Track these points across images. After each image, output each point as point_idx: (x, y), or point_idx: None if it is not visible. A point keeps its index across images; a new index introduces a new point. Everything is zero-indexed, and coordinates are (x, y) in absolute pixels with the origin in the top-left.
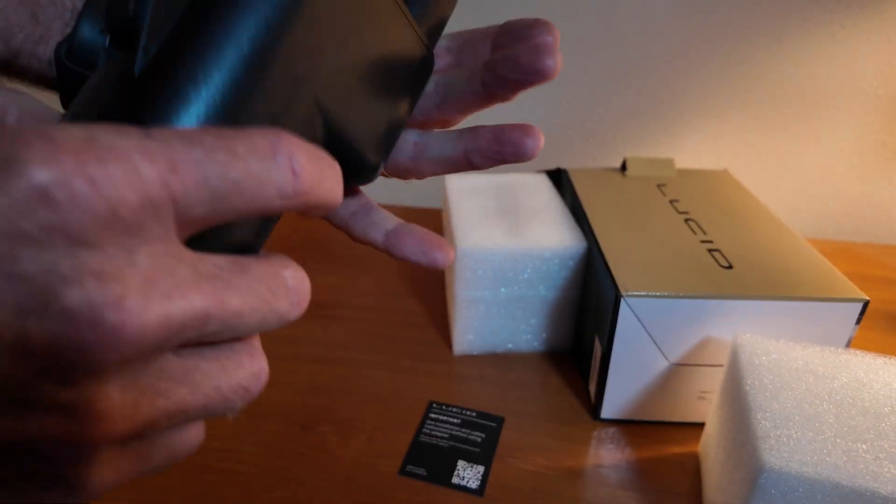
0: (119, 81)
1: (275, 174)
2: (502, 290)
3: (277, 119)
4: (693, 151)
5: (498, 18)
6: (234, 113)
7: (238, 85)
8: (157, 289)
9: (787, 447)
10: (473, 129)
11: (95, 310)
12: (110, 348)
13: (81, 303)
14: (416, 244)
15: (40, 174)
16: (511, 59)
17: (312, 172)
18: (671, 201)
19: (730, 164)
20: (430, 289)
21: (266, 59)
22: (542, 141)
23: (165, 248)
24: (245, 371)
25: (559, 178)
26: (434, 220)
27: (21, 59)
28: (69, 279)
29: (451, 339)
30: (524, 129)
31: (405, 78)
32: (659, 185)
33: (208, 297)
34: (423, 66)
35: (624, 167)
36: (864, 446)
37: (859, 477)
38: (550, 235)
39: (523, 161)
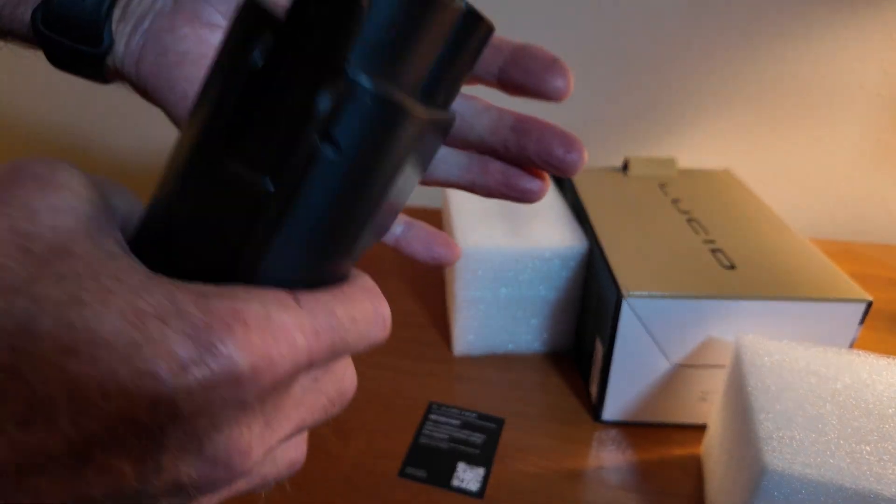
0: (253, 217)
1: (374, 332)
2: (503, 290)
3: (362, 244)
4: (695, 151)
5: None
6: (344, 253)
7: (348, 235)
8: (273, 430)
9: (789, 449)
10: (483, 163)
11: (231, 457)
12: (233, 478)
13: (223, 450)
14: (423, 242)
15: (239, 359)
16: (523, 147)
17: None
18: (673, 201)
19: (731, 163)
20: (430, 289)
21: (366, 218)
22: (548, 186)
23: (287, 394)
24: (344, 381)
25: (560, 178)
26: (434, 220)
27: (2, 22)
28: (221, 431)
29: (451, 339)
30: (533, 177)
31: (426, 159)
32: (661, 185)
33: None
34: (443, 134)
35: (625, 167)
36: (867, 448)
37: (863, 479)
38: (551, 235)
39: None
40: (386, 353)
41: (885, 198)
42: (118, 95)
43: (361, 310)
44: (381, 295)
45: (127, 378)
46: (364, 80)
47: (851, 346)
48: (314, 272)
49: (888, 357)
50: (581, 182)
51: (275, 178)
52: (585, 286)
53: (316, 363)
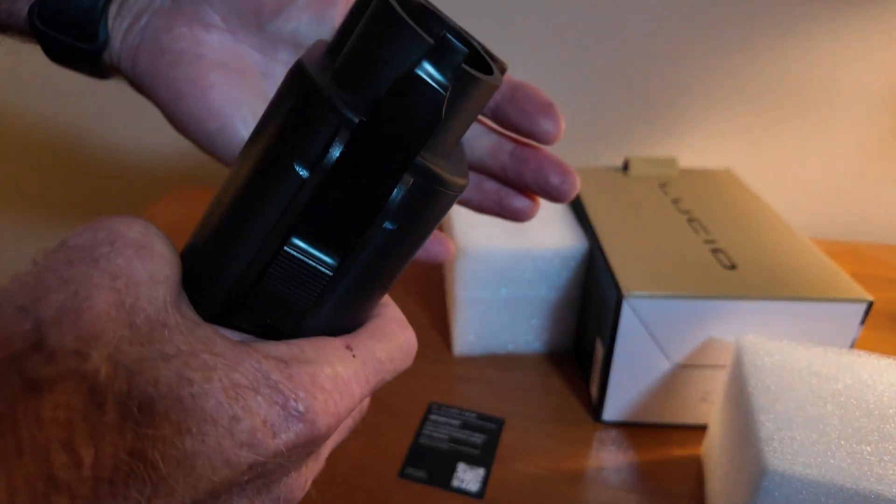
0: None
1: (405, 363)
2: (503, 290)
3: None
4: (695, 151)
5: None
6: (383, 295)
7: (392, 283)
8: (320, 462)
9: (790, 449)
10: (479, 181)
11: (293, 494)
12: None
13: (287, 490)
14: None
15: (319, 421)
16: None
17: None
18: (673, 201)
19: (732, 163)
20: (430, 289)
21: (406, 265)
22: (538, 206)
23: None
24: (365, 402)
25: None
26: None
27: (0, 17)
28: (290, 476)
29: (452, 339)
30: (525, 198)
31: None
32: (661, 185)
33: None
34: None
35: (626, 167)
36: (868, 448)
37: (863, 479)
38: (552, 235)
39: None
40: None
41: (886, 198)
42: (118, 90)
43: (397, 346)
44: (408, 324)
45: (231, 450)
46: (433, 167)
47: (852, 346)
48: (361, 317)
49: (889, 357)
50: (581, 182)
51: (342, 256)
52: (586, 286)
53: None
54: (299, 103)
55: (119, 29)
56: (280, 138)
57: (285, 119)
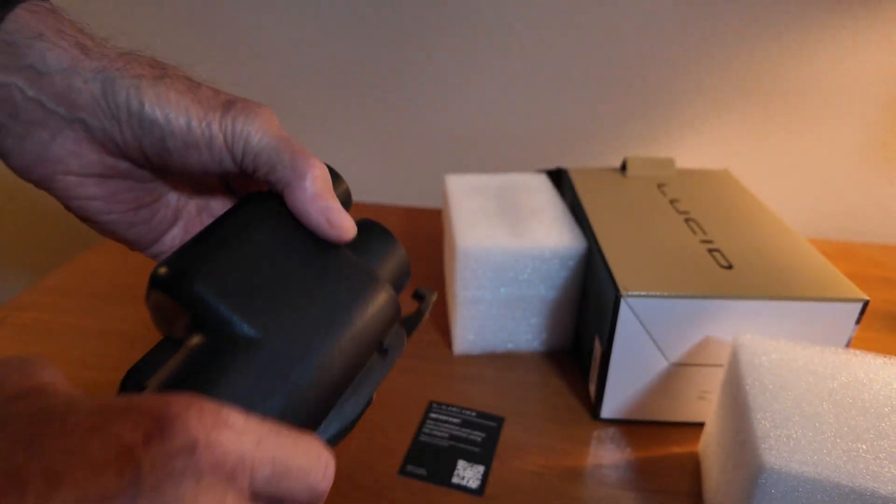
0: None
1: (316, 473)
2: (502, 289)
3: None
4: (693, 151)
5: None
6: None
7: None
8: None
9: (787, 447)
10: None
11: None
12: None
13: None
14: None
15: (194, 432)
16: None
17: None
18: (671, 201)
19: (730, 163)
20: None
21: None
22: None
23: (240, 495)
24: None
25: (559, 178)
26: (434, 219)
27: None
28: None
29: (452, 338)
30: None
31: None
32: (659, 185)
33: None
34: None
35: (624, 167)
36: (863, 446)
37: (859, 477)
38: (550, 235)
39: None
40: None
41: (882, 198)
42: None
43: (306, 446)
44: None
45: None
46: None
47: (848, 345)
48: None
49: (884, 356)
50: (580, 182)
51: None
52: (584, 286)
53: (258, 474)
54: (383, 313)
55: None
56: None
57: (361, 322)
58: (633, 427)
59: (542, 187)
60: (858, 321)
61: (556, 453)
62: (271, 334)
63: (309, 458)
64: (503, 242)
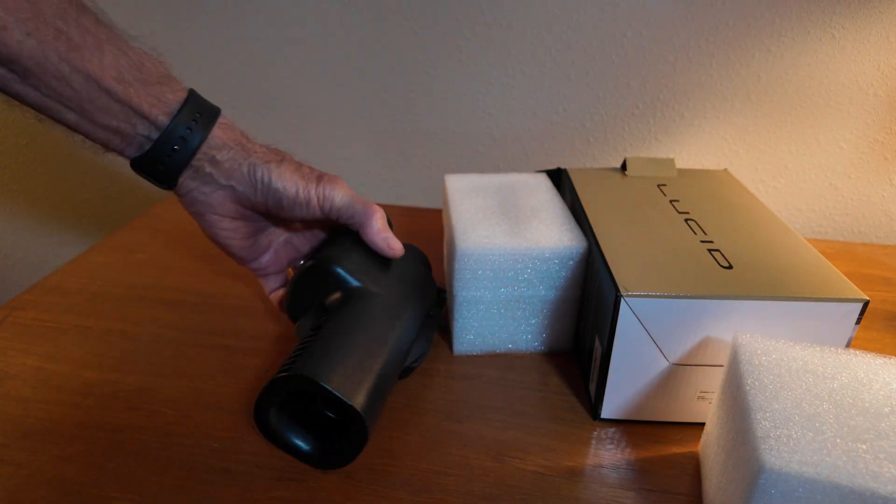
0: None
1: None
2: (502, 289)
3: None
4: (692, 151)
5: (497, 18)
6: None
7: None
8: None
9: (786, 447)
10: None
11: None
12: None
13: None
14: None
15: None
16: None
17: None
18: (671, 201)
19: (729, 164)
20: None
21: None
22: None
23: None
24: None
25: (559, 178)
26: (434, 219)
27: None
28: None
29: (451, 338)
30: None
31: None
32: (659, 185)
33: None
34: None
35: (624, 167)
36: (863, 446)
37: (859, 477)
38: (550, 235)
39: None
40: None
41: (881, 198)
42: None
43: None
44: None
45: None
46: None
47: (848, 345)
48: None
49: (884, 356)
50: (580, 182)
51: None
52: (584, 286)
53: None
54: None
55: (185, 186)
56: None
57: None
58: (632, 427)
59: (543, 187)
60: (859, 321)
61: (556, 453)
62: (385, 291)
63: None
64: (503, 243)
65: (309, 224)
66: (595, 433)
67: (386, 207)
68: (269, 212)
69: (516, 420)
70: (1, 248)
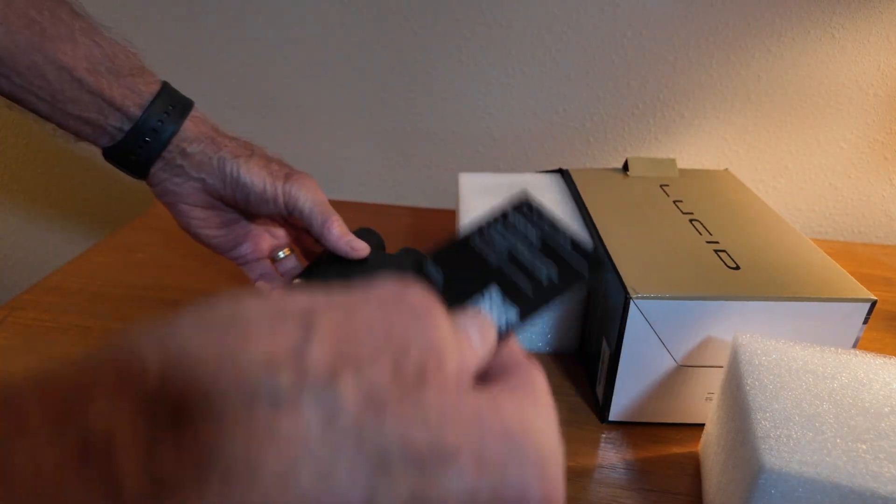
0: None
1: None
2: None
3: None
4: (693, 152)
5: (497, 19)
6: None
7: None
8: None
9: (786, 447)
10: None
11: None
12: None
13: None
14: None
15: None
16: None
17: None
18: (675, 202)
19: (729, 164)
20: None
21: None
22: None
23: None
24: None
25: (561, 178)
26: (447, 220)
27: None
28: None
29: None
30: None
31: None
32: (662, 186)
33: None
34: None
35: (626, 167)
36: (863, 446)
37: (859, 477)
38: None
39: None
40: None
41: (881, 198)
42: None
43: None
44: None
45: None
46: None
47: (855, 345)
48: None
49: (885, 356)
50: (582, 183)
51: None
52: (590, 287)
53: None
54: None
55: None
56: None
57: None
58: (633, 428)
59: (552, 188)
60: (866, 321)
61: None
62: (450, 278)
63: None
64: None
65: (279, 220)
66: (598, 434)
67: (386, 207)
68: (237, 205)
69: None
70: (1, 248)
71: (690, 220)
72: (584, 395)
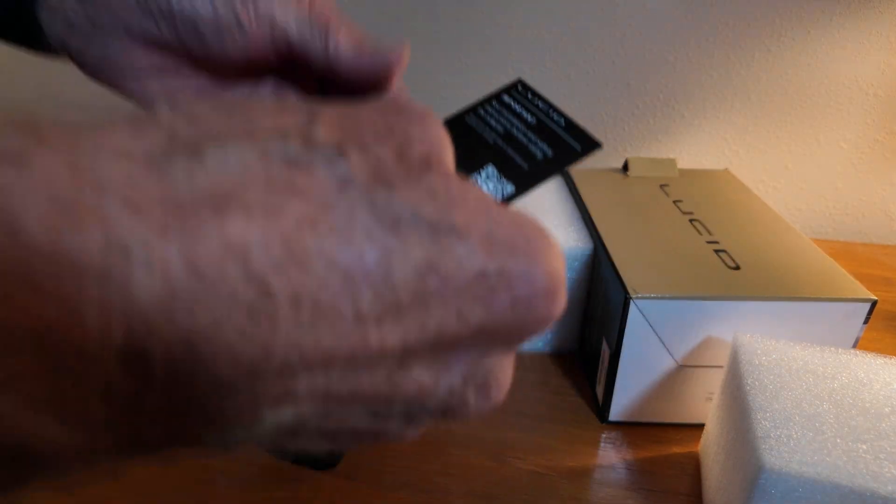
0: None
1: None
2: None
3: None
4: (692, 152)
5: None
6: None
7: None
8: None
9: (786, 447)
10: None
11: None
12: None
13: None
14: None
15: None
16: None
17: None
18: (675, 202)
19: (729, 163)
20: None
21: None
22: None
23: None
24: None
25: (561, 178)
26: None
27: None
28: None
29: None
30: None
31: None
32: (662, 186)
33: None
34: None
35: (626, 167)
36: (864, 446)
37: (859, 477)
38: (556, 236)
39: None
40: None
41: (881, 198)
42: None
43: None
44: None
45: None
46: None
47: (855, 345)
48: None
49: (885, 356)
50: (582, 183)
51: None
52: (590, 287)
53: None
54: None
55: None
56: None
57: None
58: (633, 428)
59: (552, 187)
60: (867, 321)
61: (558, 454)
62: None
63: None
64: None
65: (273, 73)
66: (597, 434)
67: None
68: (195, 53)
69: (518, 420)
70: None
71: (690, 220)
72: (583, 395)
